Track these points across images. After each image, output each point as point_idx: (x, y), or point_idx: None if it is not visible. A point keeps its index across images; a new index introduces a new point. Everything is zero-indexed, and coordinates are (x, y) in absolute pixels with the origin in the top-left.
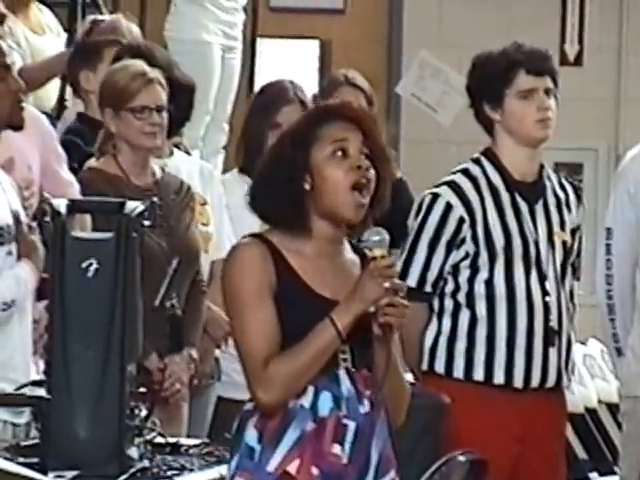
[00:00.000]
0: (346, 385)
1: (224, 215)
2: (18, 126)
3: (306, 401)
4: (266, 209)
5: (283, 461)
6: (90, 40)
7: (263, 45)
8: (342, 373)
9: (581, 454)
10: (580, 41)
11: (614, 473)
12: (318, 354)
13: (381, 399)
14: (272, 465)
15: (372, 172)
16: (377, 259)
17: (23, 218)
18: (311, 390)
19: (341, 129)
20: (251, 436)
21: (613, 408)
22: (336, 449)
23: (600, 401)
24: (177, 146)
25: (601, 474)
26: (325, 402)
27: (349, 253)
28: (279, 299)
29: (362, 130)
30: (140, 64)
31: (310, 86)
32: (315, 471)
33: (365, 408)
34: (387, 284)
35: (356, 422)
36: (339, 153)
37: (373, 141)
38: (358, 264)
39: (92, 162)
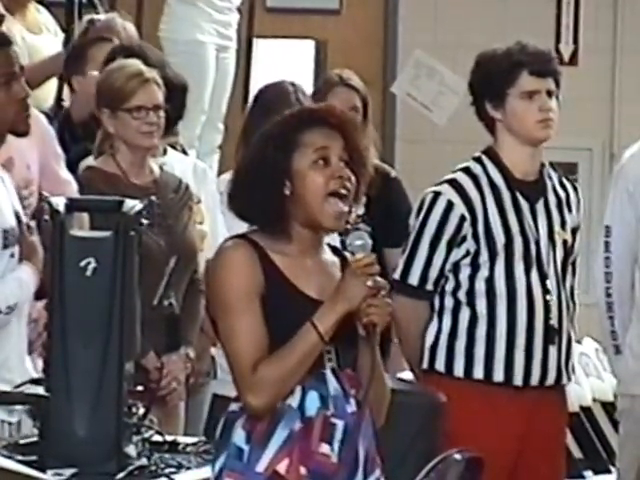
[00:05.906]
0: (333, 384)
1: (218, 214)
2: (22, 133)
3: (294, 401)
4: (245, 211)
5: (272, 461)
6: (76, 43)
7: (259, 45)
8: (328, 373)
9: (576, 453)
10: (575, 41)
11: (609, 472)
12: (304, 357)
13: (367, 399)
14: (261, 465)
15: (352, 180)
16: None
17: (23, 218)
18: (299, 390)
19: (323, 136)
20: (239, 437)
21: (608, 407)
22: (324, 448)
23: (595, 400)
24: (173, 146)
25: (596, 473)
26: (312, 402)
27: (328, 254)
28: (266, 299)
29: (343, 135)
30: (136, 64)
31: (305, 86)
32: (303, 471)
33: (352, 407)
34: (370, 282)
35: (344, 421)
36: (321, 162)
37: (353, 146)
38: (338, 265)
39: (90, 161)
